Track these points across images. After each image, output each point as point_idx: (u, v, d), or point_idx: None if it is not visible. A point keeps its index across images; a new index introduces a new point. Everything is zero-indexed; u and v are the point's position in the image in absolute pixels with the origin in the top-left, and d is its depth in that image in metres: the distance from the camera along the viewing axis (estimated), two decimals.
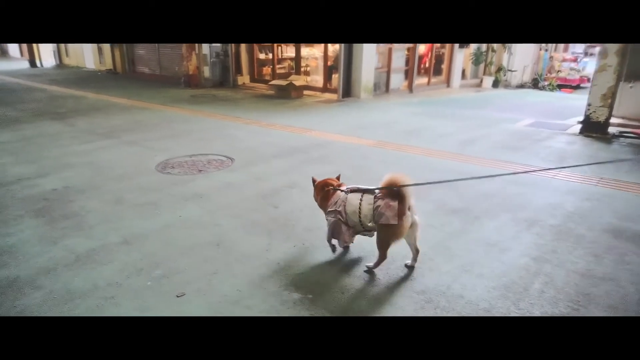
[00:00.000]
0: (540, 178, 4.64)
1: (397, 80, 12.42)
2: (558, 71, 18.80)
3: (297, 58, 12.29)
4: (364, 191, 2.70)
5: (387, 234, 2.61)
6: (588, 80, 18.86)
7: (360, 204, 2.65)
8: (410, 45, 12.28)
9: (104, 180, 4.58)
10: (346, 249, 3.05)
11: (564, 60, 21.16)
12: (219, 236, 3.32)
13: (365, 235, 2.85)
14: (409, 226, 2.62)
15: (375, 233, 2.72)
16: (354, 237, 2.85)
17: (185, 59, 12.60)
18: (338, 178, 3.06)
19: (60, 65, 19.06)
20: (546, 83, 16.69)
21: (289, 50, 13.36)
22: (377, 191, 2.64)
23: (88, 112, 8.43)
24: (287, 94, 10.81)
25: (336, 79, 11.74)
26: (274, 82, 11.48)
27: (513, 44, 14.83)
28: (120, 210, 3.81)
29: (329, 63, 11.65)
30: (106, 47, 16.78)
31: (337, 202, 2.79)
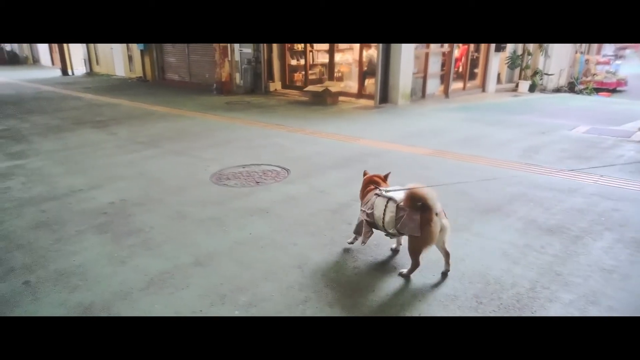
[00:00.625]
0: (629, 191, 4.26)
1: (433, 85, 12.07)
2: (594, 74, 18.17)
3: (331, 64, 12.06)
4: (389, 199, 2.76)
5: (415, 243, 2.67)
6: (625, 83, 18.23)
7: (384, 211, 2.74)
8: (447, 49, 11.95)
9: (160, 192, 4.39)
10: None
11: (598, 63, 20.52)
12: (298, 257, 3.07)
13: (389, 237, 2.95)
14: (439, 231, 2.63)
15: (406, 240, 2.77)
16: (370, 237, 2.97)
17: (218, 65, 12.49)
18: (386, 177, 3.14)
19: (91, 73, 19.25)
20: (582, 87, 16.10)
21: (320, 56, 13.17)
22: (397, 199, 2.71)
23: (127, 120, 8.33)
24: (323, 100, 10.58)
25: (371, 84, 11.50)
26: (308, 88, 11.27)
27: (549, 47, 14.33)
28: (184, 226, 3.59)
29: (364, 68, 11.39)
30: (136, 54, 16.87)
31: (368, 202, 2.90)
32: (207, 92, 12.80)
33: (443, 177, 4.74)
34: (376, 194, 2.86)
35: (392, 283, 2.73)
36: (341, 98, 11.24)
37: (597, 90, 16.57)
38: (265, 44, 12.48)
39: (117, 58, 18.18)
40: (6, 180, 4.83)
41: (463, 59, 12.99)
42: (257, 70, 13.01)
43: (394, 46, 10.23)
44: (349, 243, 3.17)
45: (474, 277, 2.75)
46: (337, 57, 12.13)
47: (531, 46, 14.52)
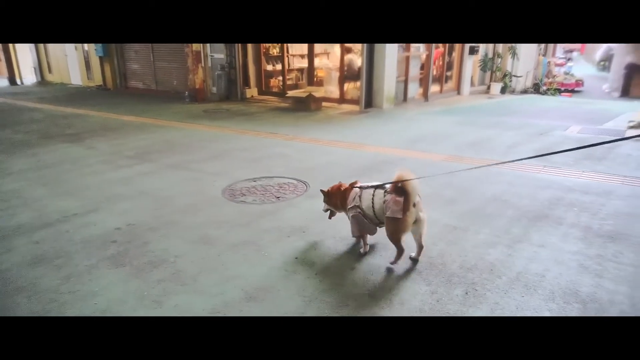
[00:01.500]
0: None
1: (413, 89, 12.05)
2: (554, 76, 18.97)
3: (310, 68, 11.76)
4: (376, 187, 2.87)
5: (393, 227, 2.73)
6: (582, 84, 19.14)
7: (373, 199, 2.84)
8: (426, 52, 11.97)
9: (171, 213, 3.89)
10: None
11: (556, 65, 21.50)
12: (366, 283, 2.71)
13: (380, 226, 2.96)
14: (413, 222, 2.73)
15: (385, 226, 2.82)
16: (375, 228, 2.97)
17: (191, 72, 11.85)
18: (352, 184, 3.12)
19: (43, 82, 17.85)
20: (546, 88, 16.71)
21: (297, 61, 12.85)
22: (386, 186, 2.81)
23: (102, 132, 7.62)
24: (307, 106, 10.24)
25: (352, 89, 11.31)
26: (291, 93, 10.91)
27: (518, 49, 14.74)
28: (215, 253, 3.14)
29: (345, 73, 11.17)
30: (95, 61, 15.81)
31: (354, 198, 2.96)
32: (178, 100, 12.10)
33: (481, 186, 4.54)
34: (359, 188, 2.98)
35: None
36: (324, 103, 10.96)
37: (559, 91, 17.27)
38: (239, 49, 12.00)
39: (73, 65, 16.98)
40: None
41: (438, 62, 13.09)
42: (232, 76, 12.47)
43: (377, 50, 10.08)
44: (362, 250, 3.07)
45: (566, 296, 2.52)
46: (316, 61, 11.85)
47: (501, 49, 14.90)
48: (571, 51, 33.85)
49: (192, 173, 5.09)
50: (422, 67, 12.13)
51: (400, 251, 2.80)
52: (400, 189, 2.67)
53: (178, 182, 4.79)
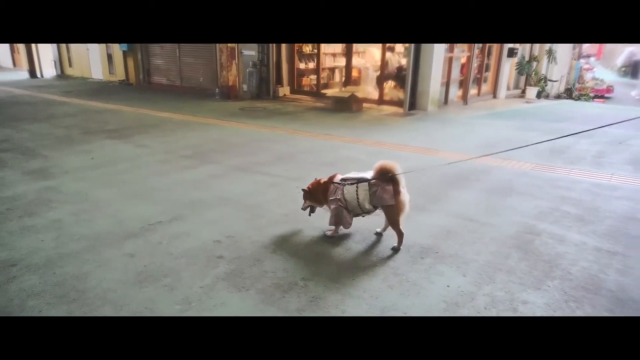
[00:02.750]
0: None
1: (452, 91, 11.64)
2: (585, 81, 18.58)
3: (348, 67, 11.34)
4: (358, 180, 3.04)
5: (392, 212, 2.99)
6: (612, 90, 18.73)
7: (356, 191, 3.01)
8: (467, 53, 11.56)
9: (270, 225, 3.47)
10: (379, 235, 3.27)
11: (585, 69, 21.06)
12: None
13: (362, 216, 3.17)
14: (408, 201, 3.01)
15: (384, 215, 3.08)
16: (352, 219, 3.13)
17: (224, 68, 11.43)
18: (331, 178, 3.23)
19: (62, 75, 17.42)
20: (579, 94, 16.29)
21: (330, 60, 12.44)
22: (369, 178, 3.01)
23: (143, 129, 7.20)
24: (348, 106, 9.81)
25: (390, 89, 10.91)
26: (331, 93, 10.50)
27: (556, 52, 14.30)
28: (348, 275, 2.72)
29: (385, 72, 10.76)
30: (118, 56, 15.40)
31: (335, 191, 3.09)
32: (206, 97, 11.68)
33: (603, 201, 4.12)
34: (340, 183, 3.10)
35: None
36: (363, 104, 10.55)
37: (592, 97, 16.89)
38: (273, 46, 11.59)
39: (94, 59, 16.57)
40: (48, 209, 3.73)
41: (471, 63, 12.67)
42: (263, 74, 12.07)
43: (424, 50, 9.67)
44: (329, 235, 3.24)
45: None
46: (353, 60, 11.44)
47: (537, 51, 14.47)
48: (588, 56, 33.43)
49: (266, 177, 4.67)
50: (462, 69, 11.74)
51: (400, 235, 3.02)
52: (386, 178, 2.92)
53: (257, 187, 4.37)
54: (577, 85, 17.04)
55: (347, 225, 3.11)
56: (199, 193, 4.16)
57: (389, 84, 11.06)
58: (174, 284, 2.61)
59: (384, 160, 2.98)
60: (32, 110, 9.05)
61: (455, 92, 11.79)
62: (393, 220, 3.00)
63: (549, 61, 14.51)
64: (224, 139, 6.58)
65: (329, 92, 10.72)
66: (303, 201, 3.36)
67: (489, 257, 2.96)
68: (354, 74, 11.92)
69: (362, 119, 8.75)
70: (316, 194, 3.26)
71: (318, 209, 3.37)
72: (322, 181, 3.25)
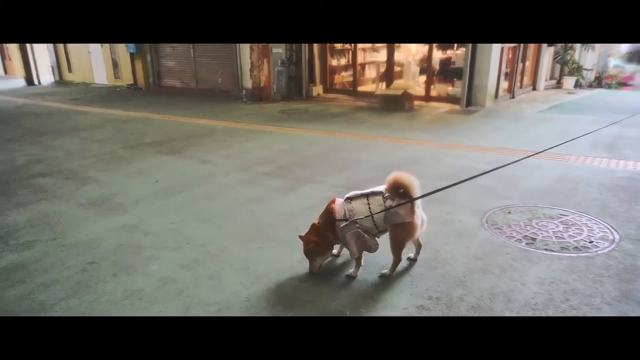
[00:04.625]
0: None
1: (500, 85, 10.85)
2: (609, 69, 18.08)
3: (389, 63, 10.44)
4: (369, 195, 2.55)
5: (402, 233, 2.51)
6: (633, 77, 18.30)
7: (369, 208, 2.51)
8: (513, 45, 10.76)
9: (433, 260, 2.57)
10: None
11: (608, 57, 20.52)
12: None
13: (377, 237, 2.61)
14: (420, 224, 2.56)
15: (389, 236, 2.56)
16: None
17: (255, 68, 10.40)
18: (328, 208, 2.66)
19: (61, 81, 16.18)
20: (608, 82, 15.72)
21: (366, 55, 11.53)
22: (385, 193, 2.51)
23: (194, 140, 6.22)
24: (400, 105, 8.92)
25: (438, 85, 10.07)
26: (381, 91, 9.61)
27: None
28: None
29: (436, 68, 9.91)
30: (124, 59, 14.27)
31: (344, 214, 2.54)
32: (228, 100, 10.71)
33: None
34: (345, 201, 2.58)
35: None
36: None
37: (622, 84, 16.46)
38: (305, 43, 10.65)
39: (97, 63, 15.38)
40: (146, 261, 2.77)
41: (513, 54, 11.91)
42: (291, 73, 11.12)
43: (482, 44, 8.83)
44: (352, 277, 2.59)
45: None
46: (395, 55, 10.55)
47: None
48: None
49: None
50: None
51: (397, 261, 2.59)
52: (401, 192, 2.46)
53: None
54: (605, 74, 16.46)
55: (375, 246, 2.55)
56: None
57: (436, 79, 10.23)
58: None
59: (396, 172, 2.50)
60: (48, 122, 7.97)
61: (502, 85, 11.02)
62: (399, 242, 2.52)
63: (584, 49, 13.83)
64: (295, 149, 5.63)
65: (378, 90, 9.81)
66: (309, 262, 2.62)
67: None
68: (399, 69, 11.02)
69: (424, 119, 7.87)
70: (324, 238, 2.59)
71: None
72: (319, 222, 2.62)
